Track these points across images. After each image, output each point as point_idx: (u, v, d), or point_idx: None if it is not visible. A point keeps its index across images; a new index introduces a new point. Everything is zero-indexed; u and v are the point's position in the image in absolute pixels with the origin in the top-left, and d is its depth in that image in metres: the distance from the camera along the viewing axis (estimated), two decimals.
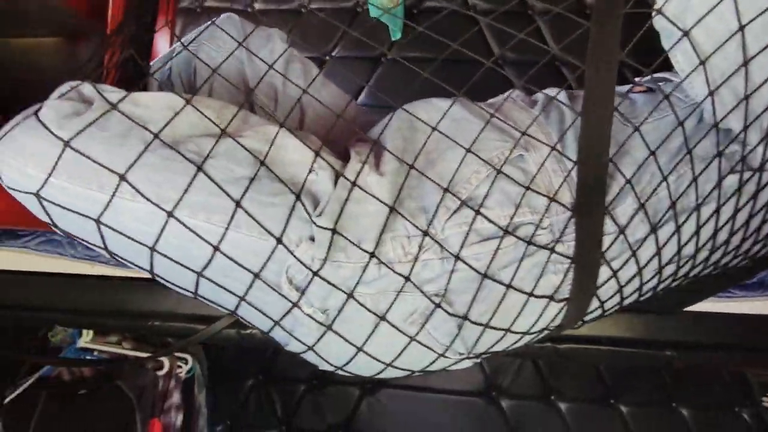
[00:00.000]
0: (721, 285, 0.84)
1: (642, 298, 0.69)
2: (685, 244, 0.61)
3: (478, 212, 0.55)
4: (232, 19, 0.84)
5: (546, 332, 0.67)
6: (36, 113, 0.53)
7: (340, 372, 0.67)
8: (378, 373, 0.66)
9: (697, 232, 0.60)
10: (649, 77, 0.76)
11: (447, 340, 0.61)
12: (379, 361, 0.62)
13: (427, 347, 0.61)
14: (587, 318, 0.68)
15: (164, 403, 1.30)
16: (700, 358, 0.88)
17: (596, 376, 1.45)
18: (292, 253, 0.54)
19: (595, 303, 0.64)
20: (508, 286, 0.57)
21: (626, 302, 0.68)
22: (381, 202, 0.55)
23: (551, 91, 0.72)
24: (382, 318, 0.57)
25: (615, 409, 1.44)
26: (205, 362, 1.51)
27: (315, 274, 0.54)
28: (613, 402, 1.44)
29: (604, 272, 0.60)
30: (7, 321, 1.24)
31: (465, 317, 0.59)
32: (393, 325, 0.58)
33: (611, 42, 0.44)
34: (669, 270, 0.63)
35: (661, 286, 0.67)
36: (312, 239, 0.54)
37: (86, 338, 1.31)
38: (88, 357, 1.33)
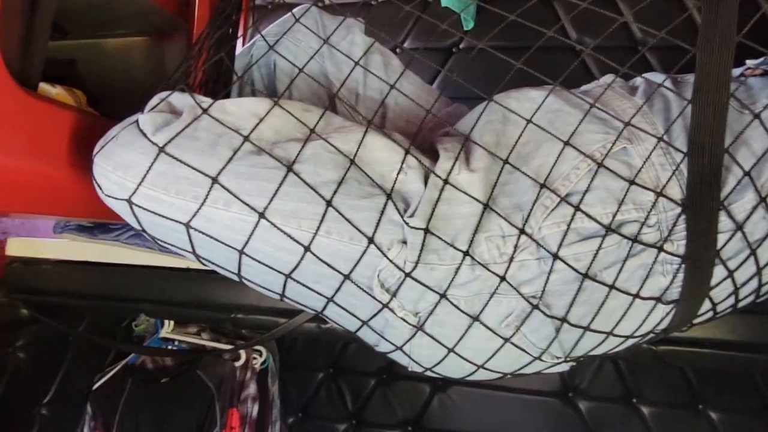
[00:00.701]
0: None
1: (759, 300, 0.64)
2: None
3: (578, 209, 0.52)
4: (310, 11, 0.84)
5: (651, 336, 0.63)
6: (132, 124, 0.55)
7: (429, 373, 0.65)
8: (469, 375, 0.64)
9: None
10: (763, 59, 0.70)
11: (544, 343, 0.58)
12: (470, 362, 0.60)
13: (522, 350, 0.58)
14: (697, 321, 0.64)
15: (241, 393, 1.33)
16: None
17: (682, 379, 1.37)
18: (385, 255, 0.52)
19: (706, 305, 0.60)
20: (611, 287, 0.54)
21: (741, 304, 0.63)
22: (475, 199, 0.53)
23: (653, 76, 0.67)
24: (476, 319, 0.56)
25: (704, 415, 1.35)
26: (278, 354, 1.54)
27: (407, 275, 0.53)
28: (702, 408, 1.35)
29: (718, 272, 0.55)
30: (98, 310, 1.31)
31: (564, 320, 0.56)
32: (488, 327, 0.56)
33: (727, 21, 0.39)
34: None
35: None
36: (403, 242, 0.53)
37: (168, 328, 1.36)
38: (169, 346, 1.38)
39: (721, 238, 0.53)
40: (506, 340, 0.57)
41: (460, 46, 1.42)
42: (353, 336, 0.93)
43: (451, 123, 0.71)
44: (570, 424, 1.42)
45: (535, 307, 0.55)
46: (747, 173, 0.51)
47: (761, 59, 0.70)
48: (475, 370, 0.62)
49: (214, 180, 0.51)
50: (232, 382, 1.30)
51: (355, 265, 0.53)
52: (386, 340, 0.60)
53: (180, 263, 0.98)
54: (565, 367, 0.65)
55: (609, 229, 0.52)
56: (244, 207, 0.52)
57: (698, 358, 0.85)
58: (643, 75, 0.69)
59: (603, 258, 0.54)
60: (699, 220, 0.50)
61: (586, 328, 0.57)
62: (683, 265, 0.54)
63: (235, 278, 0.59)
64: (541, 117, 0.57)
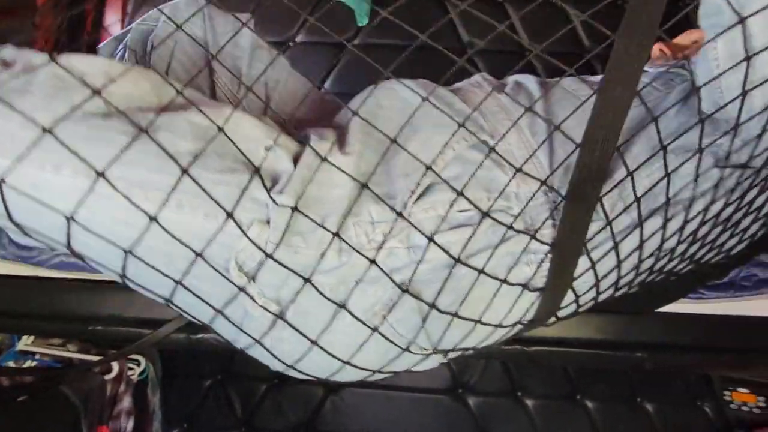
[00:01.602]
0: (693, 284, 0.82)
1: (617, 293, 0.66)
2: (669, 238, 0.57)
3: (460, 193, 0.50)
4: (196, 1, 0.78)
5: (518, 327, 0.63)
6: None
7: (291, 372, 0.62)
8: (333, 374, 0.61)
9: (682, 228, 0.57)
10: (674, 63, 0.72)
11: (411, 334, 0.57)
12: (335, 357, 0.57)
13: (389, 341, 0.56)
14: (561, 314, 0.65)
15: (113, 408, 1.22)
16: (670, 359, 0.87)
17: (563, 373, 1.44)
18: (244, 233, 0.48)
19: (569, 297, 0.61)
20: (480, 271, 0.53)
21: (601, 297, 0.65)
22: (350, 176, 0.51)
23: (523, 79, 0.68)
24: (342, 306, 0.53)
25: (581, 405, 1.43)
26: (159, 363, 1.44)
27: (269, 256, 0.49)
28: (579, 398, 1.43)
29: (582, 263, 0.56)
30: None
31: (432, 305, 0.54)
32: (354, 316, 0.54)
33: (651, 15, 0.38)
34: (647, 263, 0.61)
35: (637, 280, 0.64)
36: (266, 222, 0.50)
37: (27, 341, 1.22)
38: (29, 360, 1.24)
39: (590, 229, 0.54)
40: (373, 330, 0.54)
41: (355, 42, 1.39)
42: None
43: (330, 117, 0.68)
44: (459, 419, 1.45)
45: (404, 290, 0.53)
46: (630, 173, 0.51)
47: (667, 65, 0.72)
48: (341, 367, 0.59)
49: (46, 131, 0.42)
50: (101, 397, 1.19)
51: (209, 243, 0.49)
52: (245, 333, 0.55)
53: (27, 270, 0.87)
54: (434, 362, 0.64)
55: (486, 214, 0.51)
56: (78, 168, 0.44)
57: (568, 357, 0.88)
58: (514, 77, 0.69)
59: (473, 245, 0.54)
60: (576, 211, 0.50)
61: (454, 315, 0.56)
62: (549, 255, 0.55)
63: (63, 249, 0.50)
64: (410, 109, 0.56)
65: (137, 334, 0.88)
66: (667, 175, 0.52)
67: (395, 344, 0.57)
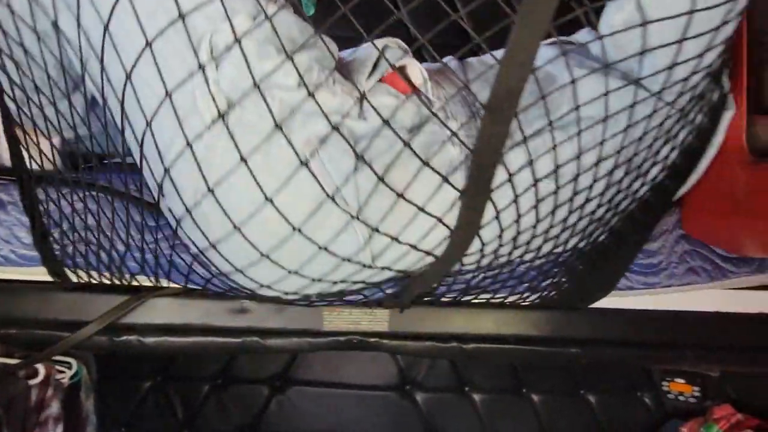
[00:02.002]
0: (620, 266, 0.82)
1: (539, 244, 0.68)
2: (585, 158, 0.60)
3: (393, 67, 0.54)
4: None
5: (430, 260, 0.63)
6: None
7: (213, 256, 0.61)
8: (254, 215, 0.56)
9: (600, 148, 0.60)
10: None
11: (340, 178, 0.57)
12: (261, 190, 0.54)
13: (318, 183, 0.55)
14: (467, 262, 0.66)
15: (39, 415, 1.15)
16: (604, 355, 0.87)
17: (509, 368, 1.45)
18: (229, 18, 0.50)
19: (476, 244, 0.62)
20: (407, 144, 0.55)
21: (502, 257, 0.67)
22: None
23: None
24: (279, 127, 0.53)
25: (527, 398, 1.44)
26: (94, 365, 1.37)
27: (238, 42, 0.50)
28: (525, 392, 1.44)
29: (488, 212, 0.59)
30: None
31: (360, 156, 0.56)
32: (289, 142, 0.53)
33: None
34: (560, 214, 0.64)
35: (554, 231, 0.66)
36: (252, 18, 0.53)
37: None
38: None
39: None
40: (303, 163, 0.54)
41: None
42: (156, 350, 0.84)
43: None
44: (407, 416, 1.44)
45: (335, 128, 0.54)
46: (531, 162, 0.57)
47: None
48: (263, 205, 0.55)
49: None
50: (25, 403, 1.12)
51: (198, 9, 0.51)
52: (183, 132, 0.53)
53: None
54: (357, 241, 0.60)
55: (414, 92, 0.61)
56: None
57: (505, 354, 0.88)
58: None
59: (402, 114, 0.60)
60: (497, 119, 0.50)
61: (381, 179, 0.56)
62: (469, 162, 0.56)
63: None
64: None
65: (55, 337, 0.83)
66: (573, 81, 0.54)
67: (322, 187, 0.55)
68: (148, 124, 0.54)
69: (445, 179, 0.55)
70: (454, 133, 0.58)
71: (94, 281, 0.80)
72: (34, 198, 0.72)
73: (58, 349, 0.81)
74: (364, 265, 0.62)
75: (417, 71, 0.66)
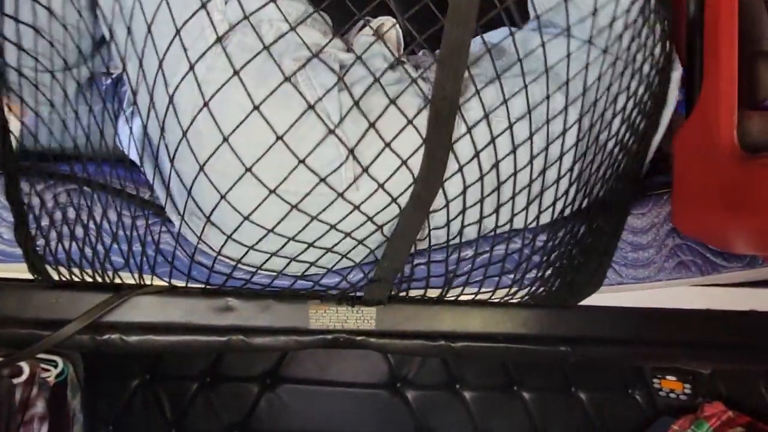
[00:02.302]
0: (605, 249, 0.81)
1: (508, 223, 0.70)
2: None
3: None
4: None
5: (402, 199, 0.65)
6: None
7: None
8: (242, 123, 0.59)
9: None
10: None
11: (322, 92, 0.61)
12: (251, 100, 0.58)
13: (302, 96, 0.59)
14: (433, 218, 0.68)
15: (24, 414, 1.14)
16: (594, 353, 0.86)
17: (500, 365, 1.44)
18: None
19: (440, 198, 0.66)
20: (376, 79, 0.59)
21: (469, 219, 0.69)
22: None
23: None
24: (267, 48, 0.57)
25: (518, 395, 1.44)
26: (81, 363, 1.35)
27: None
28: (516, 389, 1.44)
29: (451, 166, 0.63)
30: None
31: (341, 77, 0.61)
32: (275, 60, 0.57)
33: None
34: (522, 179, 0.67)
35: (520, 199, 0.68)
36: None
37: None
38: None
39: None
40: (287, 78, 0.58)
41: None
42: (137, 348, 0.82)
43: None
44: (398, 413, 1.44)
45: (315, 56, 0.59)
46: (486, 115, 0.62)
47: None
48: (251, 114, 0.58)
49: None
50: (9, 402, 1.10)
51: None
52: (186, 55, 0.58)
53: None
54: (347, 175, 0.64)
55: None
56: None
57: (494, 352, 0.87)
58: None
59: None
60: (440, 114, 0.57)
61: (356, 102, 0.59)
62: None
63: None
64: None
65: (37, 336, 0.81)
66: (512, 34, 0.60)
67: (304, 97, 0.59)
68: (163, 56, 0.60)
69: (410, 121, 0.60)
70: (413, 80, 0.61)
71: (76, 278, 0.79)
72: (19, 191, 0.71)
73: (39, 348, 0.80)
74: (343, 197, 0.64)
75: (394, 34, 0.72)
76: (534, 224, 0.71)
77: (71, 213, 0.74)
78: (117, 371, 1.42)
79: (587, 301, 0.85)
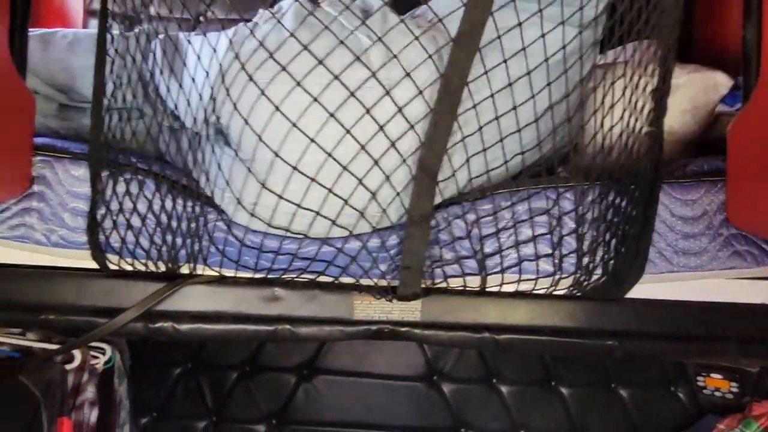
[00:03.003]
0: (641, 233, 0.80)
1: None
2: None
3: None
4: None
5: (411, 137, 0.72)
6: None
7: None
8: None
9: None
10: None
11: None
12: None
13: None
14: (451, 156, 0.73)
15: (76, 398, 1.18)
16: (642, 348, 0.85)
17: (538, 359, 1.43)
18: None
19: (457, 135, 0.71)
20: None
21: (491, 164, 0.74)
22: None
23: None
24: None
25: (556, 391, 1.42)
26: (127, 351, 1.40)
27: None
28: (554, 384, 1.42)
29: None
30: None
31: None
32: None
33: None
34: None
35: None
36: None
37: None
38: None
39: None
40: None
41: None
42: (188, 336, 0.84)
43: None
44: (434, 406, 1.44)
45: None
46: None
47: None
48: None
49: None
50: (62, 387, 1.14)
51: None
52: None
53: None
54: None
55: None
56: None
57: (538, 345, 0.86)
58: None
59: None
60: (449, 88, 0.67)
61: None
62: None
63: None
64: None
65: (93, 323, 0.84)
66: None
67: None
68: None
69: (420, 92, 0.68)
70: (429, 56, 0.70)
71: (132, 268, 0.81)
72: (98, 180, 0.76)
73: (96, 335, 0.83)
74: (370, 114, 0.69)
75: None
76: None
77: (131, 204, 0.77)
78: (160, 360, 1.46)
79: (635, 294, 0.83)
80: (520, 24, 0.67)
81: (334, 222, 0.74)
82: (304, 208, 0.73)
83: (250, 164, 0.72)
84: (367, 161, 0.71)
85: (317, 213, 0.74)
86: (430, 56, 0.69)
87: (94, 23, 1.49)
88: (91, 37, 0.87)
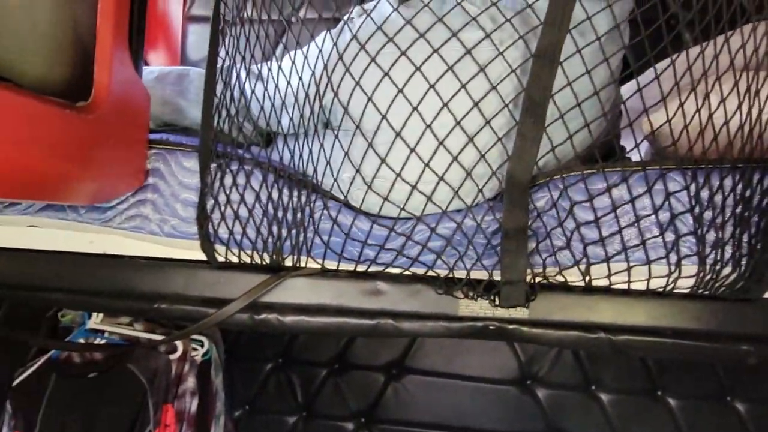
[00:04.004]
0: None
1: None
2: None
3: None
4: None
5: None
6: None
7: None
8: None
9: None
10: None
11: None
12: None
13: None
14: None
15: (178, 387, 1.23)
16: None
17: (642, 366, 1.34)
18: None
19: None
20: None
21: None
22: None
23: None
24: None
25: (662, 402, 1.32)
26: (222, 345, 1.44)
27: None
28: (660, 394, 1.32)
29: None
30: (8, 300, 1.18)
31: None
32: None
33: None
34: None
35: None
36: None
37: (96, 319, 1.25)
38: (98, 338, 1.26)
39: None
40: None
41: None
42: (291, 328, 0.85)
43: None
44: (528, 412, 1.38)
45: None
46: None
47: None
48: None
49: None
50: (167, 376, 1.20)
51: None
52: None
53: (94, 248, 0.87)
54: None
55: None
56: None
57: (659, 347, 0.79)
58: None
59: None
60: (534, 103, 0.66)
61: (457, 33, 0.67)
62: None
63: None
64: None
65: (201, 312, 0.86)
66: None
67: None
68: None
69: (493, 87, 0.68)
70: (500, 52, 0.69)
71: (238, 260, 0.82)
72: (206, 172, 0.78)
73: (205, 324, 0.85)
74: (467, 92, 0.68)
75: None
76: None
77: (238, 195, 0.78)
78: (252, 354, 1.50)
79: None
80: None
81: (456, 192, 0.74)
82: (433, 173, 0.73)
83: (371, 138, 0.72)
84: (491, 136, 0.70)
85: (442, 181, 0.73)
86: (521, 36, 0.68)
87: (193, 28, 1.56)
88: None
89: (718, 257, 0.72)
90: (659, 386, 1.33)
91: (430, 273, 0.78)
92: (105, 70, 0.74)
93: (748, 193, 0.71)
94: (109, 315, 1.25)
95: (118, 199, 0.84)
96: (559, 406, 1.37)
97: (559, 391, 1.37)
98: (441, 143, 0.70)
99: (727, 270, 0.73)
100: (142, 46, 0.83)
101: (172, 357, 1.22)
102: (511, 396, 1.38)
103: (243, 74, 0.82)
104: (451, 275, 0.78)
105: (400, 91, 0.68)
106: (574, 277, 0.76)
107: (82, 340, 1.26)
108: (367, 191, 0.74)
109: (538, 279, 0.77)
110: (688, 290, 0.76)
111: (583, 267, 0.74)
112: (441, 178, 0.72)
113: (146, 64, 1.46)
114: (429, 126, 0.70)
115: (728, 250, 0.72)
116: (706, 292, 0.76)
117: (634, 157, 0.80)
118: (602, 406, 1.35)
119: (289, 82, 0.77)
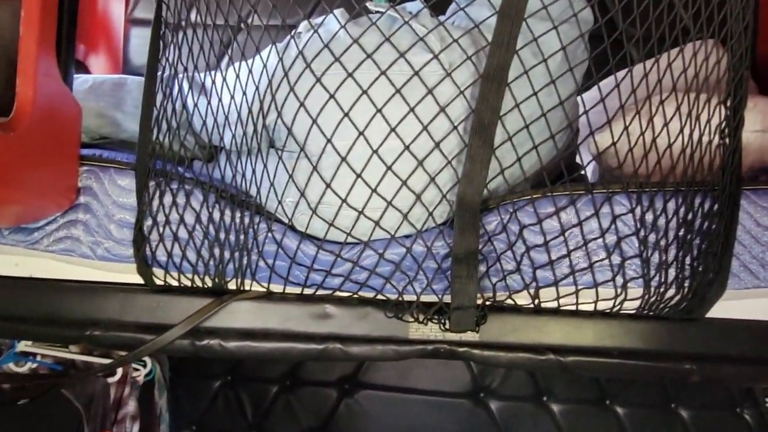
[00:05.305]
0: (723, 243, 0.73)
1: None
2: None
3: None
4: None
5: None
6: None
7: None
8: None
9: None
10: None
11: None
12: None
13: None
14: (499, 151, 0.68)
15: (117, 412, 1.16)
16: (723, 372, 0.78)
17: (591, 377, 1.36)
18: None
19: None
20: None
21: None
22: None
23: None
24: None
25: (610, 410, 1.35)
26: (167, 364, 1.38)
27: None
28: (609, 403, 1.35)
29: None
30: None
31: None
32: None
33: None
34: None
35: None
36: None
37: (27, 342, 1.16)
38: (29, 362, 1.18)
39: None
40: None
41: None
42: (235, 354, 0.81)
43: None
44: (481, 424, 1.38)
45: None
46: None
47: None
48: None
49: None
50: (104, 401, 1.13)
51: None
52: None
53: (19, 271, 0.81)
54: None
55: None
56: None
57: (607, 368, 0.80)
58: None
59: None
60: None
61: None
62: None
63: None
64: None
65: (138, 339, 0.81)
66: None
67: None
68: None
69: (442, 109, 0.67)
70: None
71: (178, 283, 0.78)
72: (145, 191, 0.74)
73: (142, 353, 0.80)
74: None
75: None
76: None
77: (177, 215, 0.74)
78: (199, 372, 1.44)
79: (715, 313, 0.76)
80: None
81: (405, 217, 0.72)
82: (384, 196, 0.70)
83: (316, 162, 0.70)
84: (441, 160, 0.69)
85: (390, 206, 0.71)
86: (469, 57, 0.67)
87: (136, 32, 1.49)
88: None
89: (663, 279, 0.73)
90: (608, 396, 1.35)
91: (380, 296, 0.76)
92: (28, 83, 0.69)
93: (690, 216, 0.72)
94: (37, 342, 1.18)
95: (46, 219, 0.78)
96: (511, 418, 1.37)
97: (511, 403, 1.38)
98: (389, 168, 0.68)
99: (671, 292, 0.74)
100: (72, 55, 0.78)
101: (111, 380, 1.15)
102: (465, 409, 1.38)
103: (185, 85, 0.77)
104: (400, 299, 0.76)
105: (346, 114, 0.66)
106: (523, 300, 0.75)
107: (11, 365, 1.17)
108: (312, 216, 0.71)
109: (488, 302, 0.76)
110: (634, 311, 0.77)
111: (532, 291, 0.73)
112: (389, 204, 0.70)
113: (85, 68, 1.38)
114: (375, 151, 0.67)
115: (672, 272, 0.73)
116: (651, 313, 0.77)
117: (590, 174, 0.80)
118: (553, 416, 1.36)
119: (232, 97, 0.73)
